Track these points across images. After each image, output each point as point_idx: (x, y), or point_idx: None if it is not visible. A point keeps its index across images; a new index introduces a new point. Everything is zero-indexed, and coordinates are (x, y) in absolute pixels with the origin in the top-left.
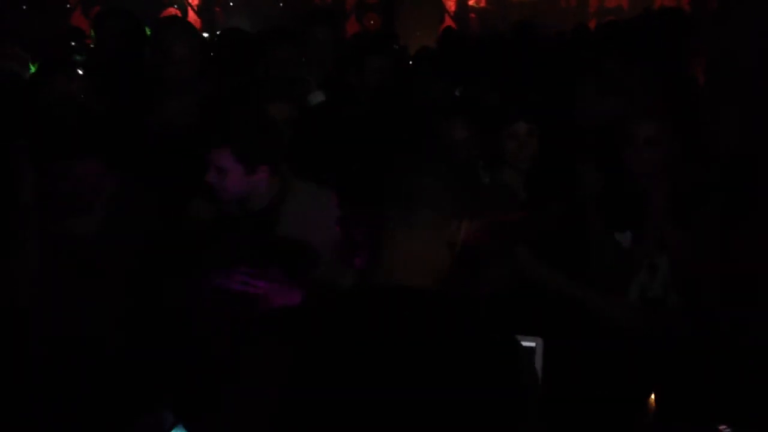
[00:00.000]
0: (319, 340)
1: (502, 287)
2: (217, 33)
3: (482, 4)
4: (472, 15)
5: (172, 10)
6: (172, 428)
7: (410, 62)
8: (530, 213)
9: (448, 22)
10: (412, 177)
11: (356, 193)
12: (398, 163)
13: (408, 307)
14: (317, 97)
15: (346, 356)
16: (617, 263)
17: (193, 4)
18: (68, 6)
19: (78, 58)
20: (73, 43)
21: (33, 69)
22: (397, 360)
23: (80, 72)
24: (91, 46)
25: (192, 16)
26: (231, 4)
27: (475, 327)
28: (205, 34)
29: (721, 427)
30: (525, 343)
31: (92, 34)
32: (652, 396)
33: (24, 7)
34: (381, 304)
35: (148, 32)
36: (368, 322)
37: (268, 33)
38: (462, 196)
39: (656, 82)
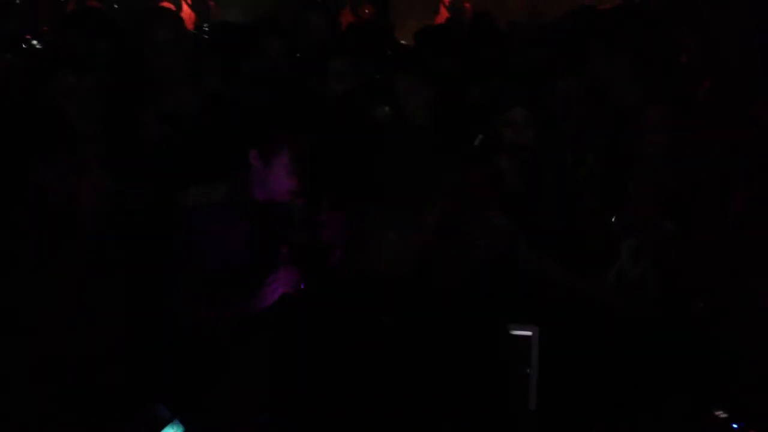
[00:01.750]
0: (309, 331)
1: (489, 257)
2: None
3: None
4: (467, 5)
5: (166, 4)
6: (168, 423)
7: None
8: (526, 200)
9: (443, 12)
10: (384, 172)
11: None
12: (370, 160)
13: (390, 296)
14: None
15: (335, 347)
16: (607, 244)
17: None
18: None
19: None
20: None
21: None
22: (383, 348)
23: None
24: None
25: (186, 10)
26: None
27: (456, 313)
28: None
29: (717, 413)
30: (520, 332)
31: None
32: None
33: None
34: (364, 294)
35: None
36: (353, 312)
37: (257, 24)
38: (432, 183)
39: (663, 66)
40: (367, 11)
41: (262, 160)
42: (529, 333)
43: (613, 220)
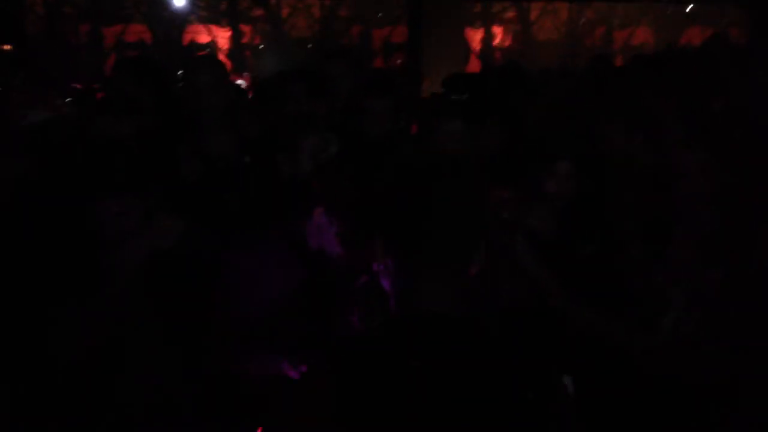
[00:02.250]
0: (360, 370)
1: (518, 302)
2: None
3: (507, 43)
4: (497, 54)
5: (203, 54)
6: None
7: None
8: (562, 251)
9: (473, 60)
10: (430, 210)
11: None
12: (417, 206)
13: (442, 335)
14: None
15: (386, 385)
16: (651, 294)
17: (223, 48)
18: (104, 51)
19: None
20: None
21: None
22: (433, 389)
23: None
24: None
25: (222, 59)
26: (261, 48)
27: (511, 360)
28: (241, 82)
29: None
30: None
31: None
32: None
33: (61, 52)
34: (415, 333)
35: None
36: (405, 351)
37: (287, 72)
38: (478, 224)
39: (693, 114)
40: (398, 60)
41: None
42: (564, 383)
43: (660, 269)
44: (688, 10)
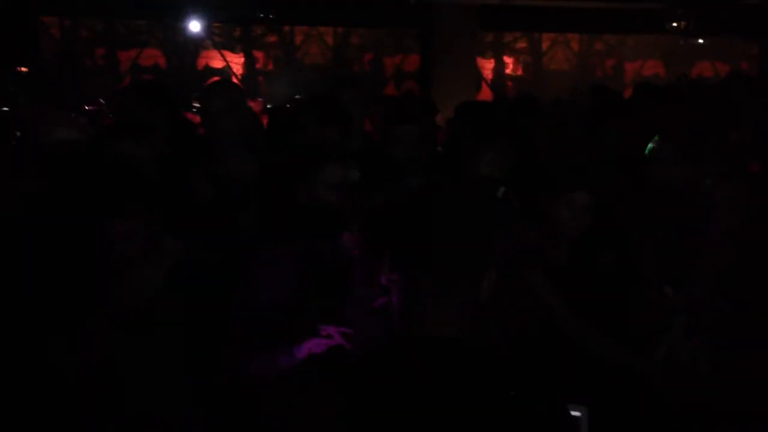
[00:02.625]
0: (365, 393)
1: (526, 329)
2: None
3: (519, 72)
4: (509, 83)
5: (217, 79)
6: None
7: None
8: (573, 277)
9: (485, 89)
10: (444, 237)
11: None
12: (430, 224)
13: (446, 360)
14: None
15: (390, 410)
16: (658, 315)
17: (237, 73)
18: (119, 74)
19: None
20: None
21: None
22: (438, 415)
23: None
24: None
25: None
26: (274, 73)
27: (521, 388)
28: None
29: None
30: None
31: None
32: None
33: (76, 75)
34: (419, 357)
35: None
36: (409, 375)
37: (298, 99)
38: (489, 251)
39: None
40: (410, 88)
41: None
42: (578, 414)
43: (669, 293)
44: (699, 42)
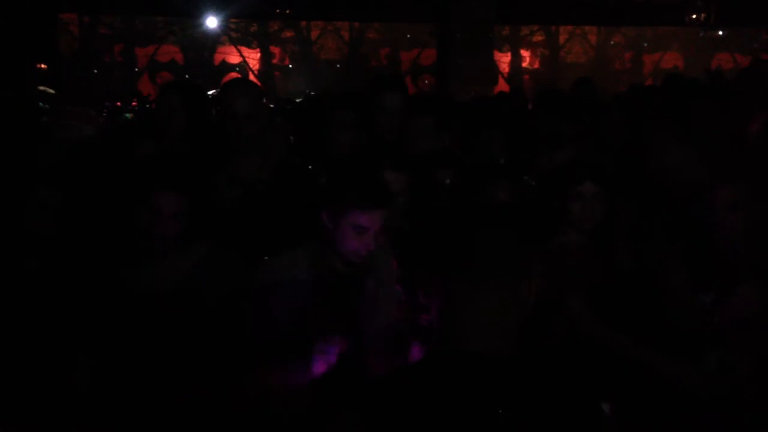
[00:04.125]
0: (399, 408)
1: (562, 342)
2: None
3: (535, 65)
4: (526, 76)
5: (234, 75)
6: None
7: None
8: (594, 274)
9: (502, 83)
10: (481, 244)
11: (424, 259)
12: (467, 231)
13: (484, 374)
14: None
15: (425, 425)
16: (698, 325)
17: (254, 69)
18: (136, 70)
19: (127, 116)
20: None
21: None
22: (475, 428)
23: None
24: (151, 109)
25: (252, 80)
26: (290, 68)
27: (557, 394)
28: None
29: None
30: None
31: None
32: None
33: (95, 71)
34: (457, 371)
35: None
36: (445, 389)
37: (331, 97)
38: (530, 258)
39: (730, 144)
40: (426, 81)
41: (331, 222)
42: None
43: (707, 295)
44: (718, 34)
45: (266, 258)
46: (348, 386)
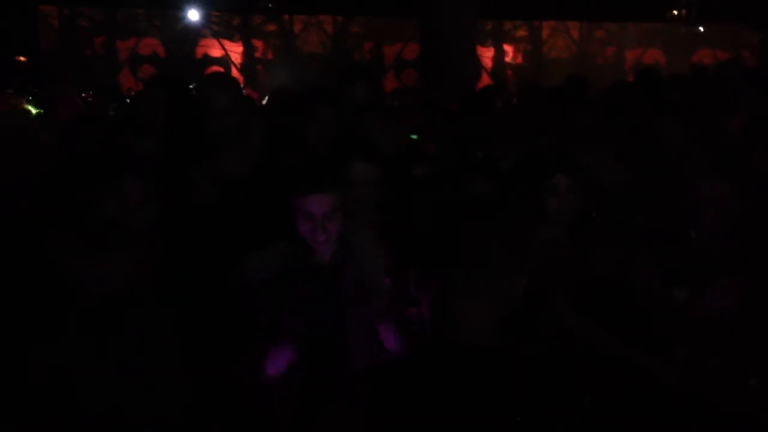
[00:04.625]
0: (394, 400)
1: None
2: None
3: (519, 61)
4: (509, 72)
5: (216, 68)
6: None
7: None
8: (576, 269)
9: (485, 78)
10: (470, 238)
11: (413, 252)
12: (460, 227)
13: (480, 366)
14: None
15: (420, 417)
16: (671, 321)
17: (236, 62)
18: (118, 64)
19: (111, 112)
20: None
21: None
22: (470, 420)
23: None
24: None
25: (235, 74)
26: (273, 62)
27: (552, 386)
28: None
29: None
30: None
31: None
32: None
33: (75, 65)
34: (451, 364)
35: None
36: (440, 382)
37: (308, 92)
38: (517, 252)
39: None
40: (410, 77)
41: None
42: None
43: (681, 291)
44: (699, 30)
45: (244, 255)
46: (333, 380)
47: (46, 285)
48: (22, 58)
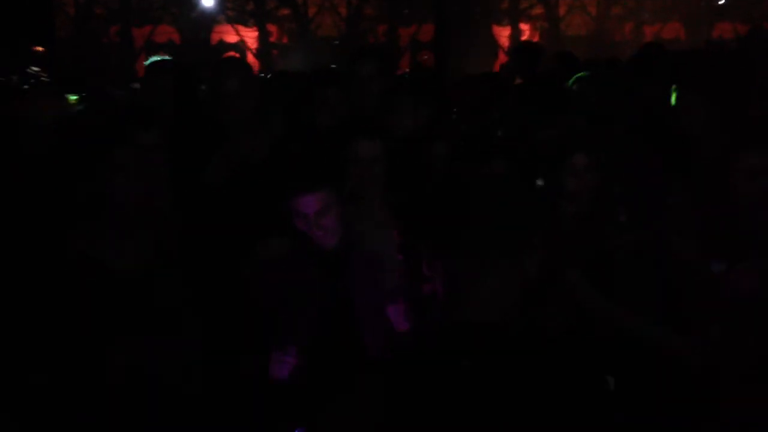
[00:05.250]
0: (410, 376)
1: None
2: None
3: (536, 39)
4: None
5: (231, 54)
6: None
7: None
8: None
9: (502, 57)
10: (485, 221)
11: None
12: (469, 208)
13: (492, 345)
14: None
15: (433, 394)
16: (707, 296)
17: (251, 47)
18: (134, 52)
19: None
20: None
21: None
22: (483, 397)
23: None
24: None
25: (250, 59)
26: (288, 46)
27: (565, 366)
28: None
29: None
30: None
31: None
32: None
33: (93, 56)
34: (464, 342)
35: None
36: (455, 358)
37: (314, 74)
38: (531, 232)
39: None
40: (425, 57)
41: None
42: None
43: (719, 265)
44: (719, 3)
45: (258, 241)
46: (346, 366)
47: (73, 271)
48: (39, 48)
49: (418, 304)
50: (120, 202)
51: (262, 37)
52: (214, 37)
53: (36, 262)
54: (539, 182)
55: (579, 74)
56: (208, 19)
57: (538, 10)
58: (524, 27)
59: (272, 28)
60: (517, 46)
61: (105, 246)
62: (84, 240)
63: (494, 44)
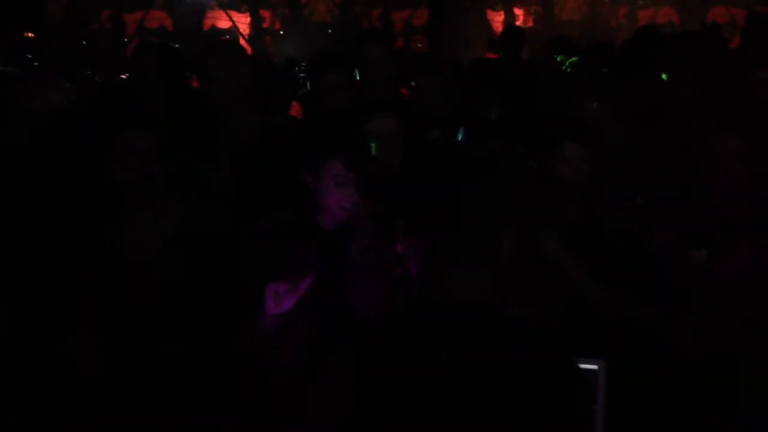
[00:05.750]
0: (384, 354)
1: (555, 308)
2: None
3: (530, 24)
4: None
5: (224, 39)
6: None
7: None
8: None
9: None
10: (460, 197)
11: (403, 211)
12: (446, 185)
13: (464, 322)
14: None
15: (407, 373)
16: (690, 283)
17: (244, 33)
18: (125, 40)
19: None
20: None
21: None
22: (454, 376)
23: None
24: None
25: (243, 45)
26: (281, 32)
27: (535, 348)
28: None
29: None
30: (586, 366)
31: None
32: None
33: (84, 42)
34: (438, 319)
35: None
36: (428, 336)
37: (318, 58)
38: (508, 212)
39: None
40: (419, 44)
41: (312, 176)
42: (595, 367)
43: (700, 252)
44: None
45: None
46: (338, 331)
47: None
48: (30, 34)
49: (392, 285)
50: (138, 184)
51: (255, 23)
52: (207, 23)
53: (68, 258)
54: (533, 164)
55: (572, 59)
56: (201, 5)
57: None
58: (518, 12)
59: (265, 13)
60: (503, 31)
61: (130, 236)
62: (114, 232)
63: (488, 29)
